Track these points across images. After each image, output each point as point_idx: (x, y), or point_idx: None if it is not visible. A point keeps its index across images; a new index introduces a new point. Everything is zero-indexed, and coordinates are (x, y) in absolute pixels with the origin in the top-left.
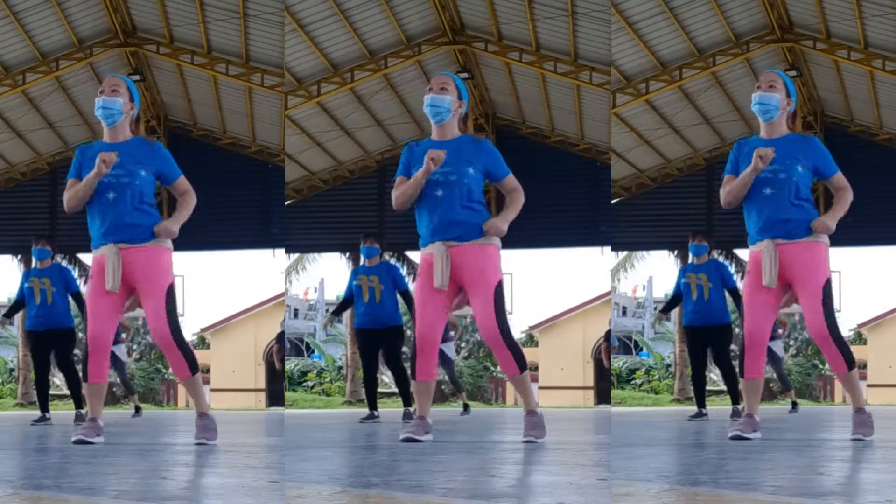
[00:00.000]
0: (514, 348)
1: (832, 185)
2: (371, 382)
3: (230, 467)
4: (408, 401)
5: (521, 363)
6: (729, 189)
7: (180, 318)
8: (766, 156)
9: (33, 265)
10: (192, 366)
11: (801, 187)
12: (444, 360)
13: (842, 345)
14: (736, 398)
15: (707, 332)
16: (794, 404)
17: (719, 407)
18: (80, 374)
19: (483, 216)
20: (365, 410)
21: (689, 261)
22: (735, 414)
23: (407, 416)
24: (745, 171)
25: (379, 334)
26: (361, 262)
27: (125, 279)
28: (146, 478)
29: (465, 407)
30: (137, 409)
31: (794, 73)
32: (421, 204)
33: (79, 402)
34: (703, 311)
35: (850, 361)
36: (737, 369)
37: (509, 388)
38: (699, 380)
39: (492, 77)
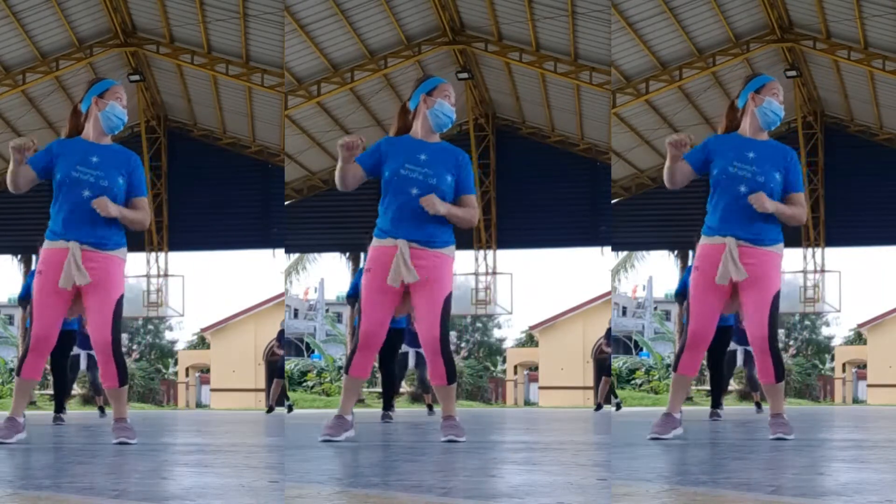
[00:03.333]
0: (448, 360)
1: (791, 201)
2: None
3: (230, 467)
4: (389, 403)
5: (452, 375)
6: (666, 167)
7: (180, 319)
8: (680, 141)
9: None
10: (123, 378)
11: (775, 195)
12: (418, 363)
13: (777, 356)
14: (718, 401)
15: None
16: (759, 405)
17: (700, 408)
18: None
19: (450, 226)
20: (364, 411)
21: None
22: (714, 415)
23: (385, 417)
24: (675, 155)
25: (392, 333)
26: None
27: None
28: (146, 478)
29: (430, 408)
30: (102, 410)
31: (794, 73)
32: (392, 198)
33: (60, 405)
34: None
35: (780, 374)
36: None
37: (509, 387)
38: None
39: (492, 77)
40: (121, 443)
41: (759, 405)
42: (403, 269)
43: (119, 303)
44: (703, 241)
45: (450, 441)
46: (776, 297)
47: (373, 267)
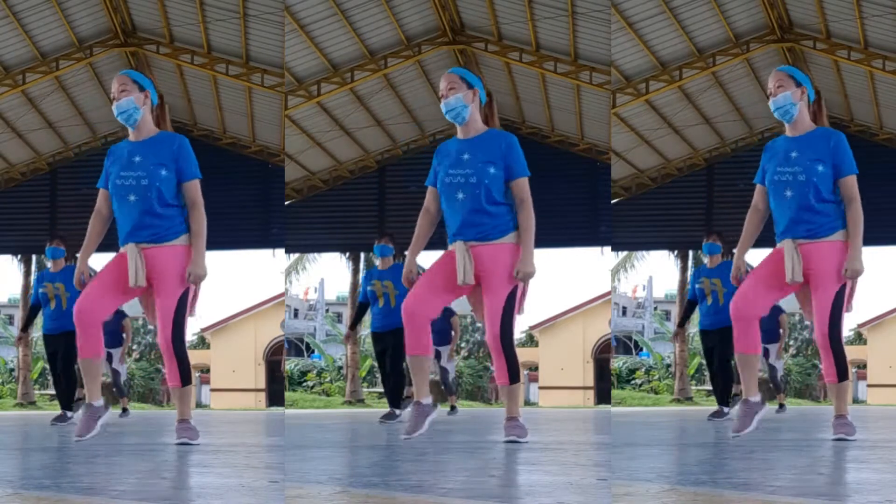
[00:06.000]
0: (510, 359)
1: (842, 189)
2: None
3: (230, 467)
4: (395, 401)
5: (514, 375)
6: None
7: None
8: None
9: (47, 266)
10: (185, 377)
11: (823, 188)
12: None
13: (839, 355)
14: (723, 399)
15: (719, 334)
16: (782, 405)
17: (700, 408)
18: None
19: (505, 215)
20: (365, 411)
21: (703, 261)
22: (715, 415)
23: (389, 416)
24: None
25: (389, 336)
26: (375, 264)
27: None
28: (146, 478)
29: (453, 408)
30: (125, 410)
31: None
32: (445, 205)
33: (66, 404)
34: (717, 316)
35: (842, 372)
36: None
37: None
38: (717, 378)
39: (492, 77)
40: (182, 443)
41: (782, 405)
42: (461, 269)
43: (182, 299)
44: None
45: (511, 442)
46: (840, 294)
47: (439, 259)
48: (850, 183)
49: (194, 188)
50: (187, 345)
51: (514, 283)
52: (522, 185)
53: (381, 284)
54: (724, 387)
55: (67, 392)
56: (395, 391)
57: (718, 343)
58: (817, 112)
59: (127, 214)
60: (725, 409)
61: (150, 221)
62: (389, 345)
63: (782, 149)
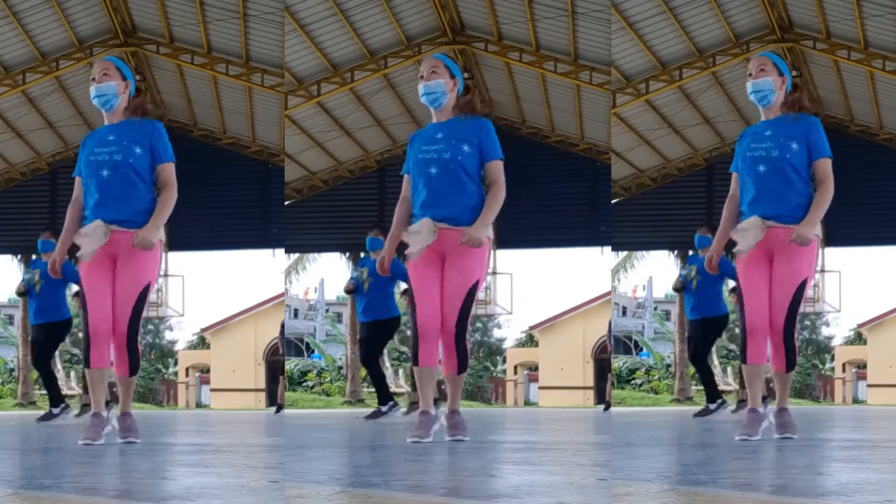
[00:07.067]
0: (462, 352)
1: (815, 172)
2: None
3: (230, 467)
4: (383, 398)
5: (463, 366)
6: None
7: (180, 319)
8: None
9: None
10: (133, 368)
11: (797, 165)
12: None
13: (790, 345)
14: (711, 396)
15: (692, 326)
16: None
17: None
18: (83, 364)
19: (477, 197)
20: (365, 411)
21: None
22: (700, 413)
23: (375, 414)
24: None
25: (366, 327)
26: (366, 254)
27: (110, 258)
28: (146, 478)
29: (435, 402)
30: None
31: (794, 73)
32: (416, 181)
33: (54, 400)
34: (692, 304)
35: (791, 363)
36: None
37: (509, 387)
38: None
39: (492, 77)
40: (128, 442)
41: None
42: (418, 241)
43: (144, 292)
44: (738, 226)
45: (457, 440)
46: (802, 286)
47: (420, 266)
48: (824, 165)
49: (169, 170)
50: (186, 345)
51: (477, 278)
52: (496, 167)
53: (361, 271)
54: (705, 381)
55: (48, 388)
56: (379, 388)
57: (695, 335)
58: (796, 95)
59: (98, 190)
60: (711, 407)
61: (123, 199)
62: (365, 336)
63: (757, 129)
